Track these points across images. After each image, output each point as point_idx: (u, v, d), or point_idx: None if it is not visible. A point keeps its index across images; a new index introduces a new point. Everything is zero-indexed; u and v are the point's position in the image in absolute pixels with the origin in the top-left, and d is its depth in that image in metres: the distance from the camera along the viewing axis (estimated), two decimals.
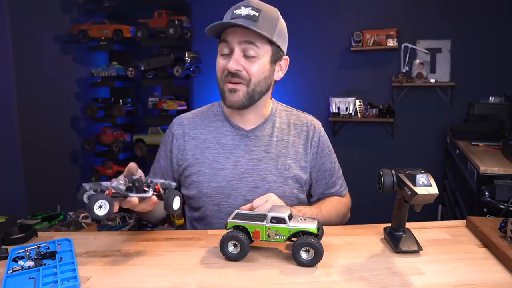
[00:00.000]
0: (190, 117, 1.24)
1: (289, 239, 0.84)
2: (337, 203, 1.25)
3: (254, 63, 1.07)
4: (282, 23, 1.11)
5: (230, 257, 0.84)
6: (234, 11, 1.05)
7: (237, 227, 0.85)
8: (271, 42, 1.08)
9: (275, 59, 1.12)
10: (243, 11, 1.04)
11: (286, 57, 1.17)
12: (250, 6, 1.05)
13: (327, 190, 1.27)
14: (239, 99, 1.09)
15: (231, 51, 1.07)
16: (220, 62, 1.09)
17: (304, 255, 0.81)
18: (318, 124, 1.28)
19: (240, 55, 1.06)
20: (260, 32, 1.03)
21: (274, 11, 1.10)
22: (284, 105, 1.29)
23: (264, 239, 0.85)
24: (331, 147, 1.28)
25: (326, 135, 1.28)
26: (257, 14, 1.04)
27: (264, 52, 1.08)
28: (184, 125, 1.22)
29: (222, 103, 1.21)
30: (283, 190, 1.16)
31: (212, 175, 1.15)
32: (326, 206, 1.20)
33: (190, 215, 1.25)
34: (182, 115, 1.27)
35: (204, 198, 1.16)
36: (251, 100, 1.11)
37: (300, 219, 0.86)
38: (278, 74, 1.17)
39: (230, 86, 1.08)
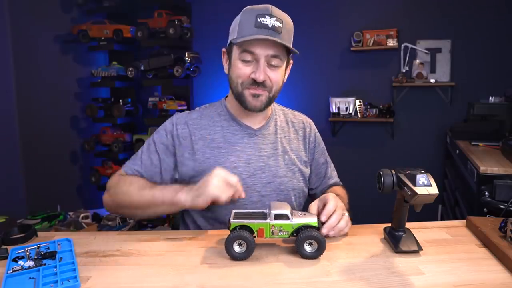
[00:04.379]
0: (195, 117, 1.22)
1: (291, 234, 0.86)
2: (346, 193, 1.30)
3: (276, 72, 1.11)
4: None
5: (236, 257, 0.84)
6: (259, 19, 1.05)
7: (240, 227, 0.86)
8: (289, 52, 1.13)
9: (287, 65, 1.18)
10: (269, 21, 1.05)
11: (291, 61, 1.21)
12: (274, 16, 1.06)
13: (328, 181, 1.34)
14: (261, 104, 1.13)
15: (255, 60, 1.08)
16: (243, 68, 1.10)
17: (308, 248, 0.84)
18: (311, 121, 1.36)
19: (265, 66, 1.09)
20: (291, 48, 1.08)
21: (290, 20, 1.12)
22: (279, 104, 1.35)
23: (268, 236, 0.86)
24: (322, 141, 1.37)
25: (317, 131, 1.36)
26: (281, 25, 1.06)
27: (283, 61, 1.13)
28: (190, 125, 1.20)
29: (226, 103, 1.24)
30: (292, 184, 1.21)
31: None
32: (344, 195, 1.26)
33: (201, 214, 1.19)
34: (185, 114, 1.24)
35: None
36: (270, 104, 1.17)
37: (300, 214, 0.88)
38: (285, 77, 1.21)
39: (254, 91, 1.11)
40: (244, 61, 1.09)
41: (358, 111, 3.46)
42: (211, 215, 1.17)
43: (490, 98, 2.78)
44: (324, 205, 0.98)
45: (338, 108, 3.49)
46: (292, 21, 1.13)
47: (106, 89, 3.86)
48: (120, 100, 3.57)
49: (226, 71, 1.18)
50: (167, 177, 1.20)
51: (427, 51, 3.29)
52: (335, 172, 1.38)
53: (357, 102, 3.46)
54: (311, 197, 1.33)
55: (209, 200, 0.97)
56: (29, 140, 3.15)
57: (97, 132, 3.71)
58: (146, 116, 3.72)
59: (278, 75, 1.12)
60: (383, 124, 3.47)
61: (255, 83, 1.09)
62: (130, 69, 3.42)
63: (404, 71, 3.31)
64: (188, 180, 1.17)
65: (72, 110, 3.66)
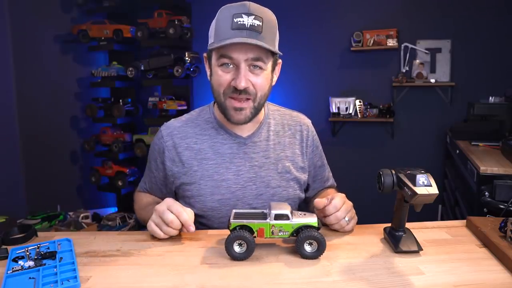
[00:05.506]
0: (179, 125, 1.17)
1: (291, 234, 0.86)
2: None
3: (260, 76, 1.02)
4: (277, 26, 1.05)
5: (236, 257, 0.84)
6: (235, 20, 0.95)
7: (240, 227, 0.86)
8: (274, 53, 1.04)
9: (274, 66, 1.09)
10: (246, 20, 0.95)
11: (280, 60, 1.13)
12: (252, 15, 0.96)
13: (324, 184, 1.30)
14: (246, 117, 1.05)
15: (235, 66, 1.00)
16: (223, 76, 1.01)
17: (308, 248, 0.84)
18: (309, 122, 1.27)
19: (247, 70, 1.00)
20: (271, 49, 0.98)
21: (272, 15, 1.02)
22: (275, 104, 1.27)
23: (268, 236, 0.86)
24: (320, 144, 1.31)
25: (316, 133, 1.29)
26: (261, 23, 0.97)
27: (268, 64, 1.03)
28: (174, 135, 1.14)
29: (213, 108, 1.17)
30: (287, 193, 1.16)
31: (215, 187, 1.10)
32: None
33: (195, 224, 1.20)
34: (169, 123, 1.19)
35: (209, 212, 1.11)
36: (256, 113, 1.08)
37: (300, 214, 0.88)
38: (274, 79, 1.12)
39: (236, 104, 1.03)
40: (224, 67, 1.01)
41: (358, 111, 3.46)
42: (204, 227, 1.15)
43: (490, 98, 2.78)
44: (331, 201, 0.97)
45: (338, 108, 3.49)
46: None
47: (106, 89, 3.86)
48: (120, 100, 3.57)
49: (208, 77, 1.09)
50: (165, 191, 1.21)
51: (427, 51, 3.29)
52: (331, 174, 1.33)
53: (357, 102, 3.46)
54: (305, 201, 1.29)
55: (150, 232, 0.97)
56: (29, 140, 3.15)
57: (97, 132, 3.71)
58: (146, 116, 3.73)
59: (262, 80, 1.02)
60: (383, 124, 3.47)
61: (236, 90, 1.00)
62: (130, 69, 3.42)
63: (404, 71, 3.32)
64: (184, 194, 1.15)
65: (72, 110, 3.66)
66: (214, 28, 1.01)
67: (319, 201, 0.99)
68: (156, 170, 1.19)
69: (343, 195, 1.02)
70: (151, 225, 0.95)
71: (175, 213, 0.92)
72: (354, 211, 1.01)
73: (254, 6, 0.99)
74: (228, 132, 1.14)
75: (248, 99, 1.03)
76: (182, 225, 0.93)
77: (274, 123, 1.20)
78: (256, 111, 1.07)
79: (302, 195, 1.23)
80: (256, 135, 1.15)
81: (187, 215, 0.92)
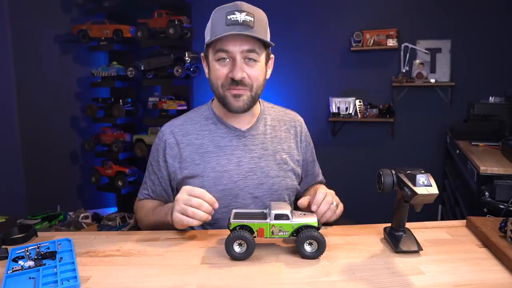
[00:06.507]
0: (179, 123, 1.22)
1: (291, 234, 0.86)
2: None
3: (254, 68, 1.09)
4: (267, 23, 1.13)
5: (236, 257, 0.84)
6: (228, 17, 1.03)
7: (240, 227, 0.86)
8: (266, 45, 1.10)
9: (267, 59, 1.15)
10: (239, 16, 1.03)
11: (272, 55, 1.19)
12: (244, 11, 1.03)
13: (315, 178, 1.37)
14: (244, 104, 1.11)
15: (231, 59, 1.07)
16: (220, 69, 1.08)
17: (308, 248, 0.85)
18: (302, 120, 1.35)
19: (242, 62, 1.06)
20: (264, 40, 1.05)
21: (263, 13, 1.10)
22: (269, 103, 1.33)
23: (268, 236, 0.86)
24: (311, 140, 1.37)
25: (307, 130, 1.35)
26: (252, 19, 1.04)
27: (261, 56, 1.10)
28: (176, 133, 1.19)
29: (212, 106, 1.23)
30: (285, 183, 1.21)
31: (217, 178, 1.14)
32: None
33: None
34: (170, 122, 1.24)
35: None
36: (254, 103, 1.14)
37: (300, 214, 0.89)
38: (268, 73, 1.19)
39: (235, 92, 1.09)
40: (221, 62, 1.07)
41: (358, 111, 3.45)
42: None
43: (490, 98, 2.78)
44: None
45: (338, 108, 3.49)
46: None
47: (106, 89, 3.86)
48: (120, 100, 3.57)
49: (207, 75, 1.16)
50: (170, 191, 1.22)
51: (427, 51, 3.29)
52: (320, 170, 1.40)
53: (357, 102, 3.46)
54: (296, 195, 1.32)
55: (177, 226, 0.97)
56: (29, 140, 3.15)
57: (97, 132, 3.71)
58: (146, 116, 3.73)
59: (257, 71, 1.09)
60: (383, 124, 3.47)
61: (234, 82, 1.07)
62: (130, 69, 3.42)
63: (404, 71, 3.31)
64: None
65: (72, 110, 3.66)
66: (210, 27, 1.08)
67: (302, 201, 1.03)
68: (159, 171, 1.21)
69: (323, 187, 1.05)
70: (178, 216, 0.94)
71: (198, 195, 0.93)
72: (337, 197, 1.04)
73: (246, 5, 1.06)
74: (227, 126, 1.19)
75: (245, 89, 1.09)
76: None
77: (270, 118, 1.26)
78: (253, 100, 1.13)
79: (299, 187, 1.28)
80: (254, 129, 1.21)
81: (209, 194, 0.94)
